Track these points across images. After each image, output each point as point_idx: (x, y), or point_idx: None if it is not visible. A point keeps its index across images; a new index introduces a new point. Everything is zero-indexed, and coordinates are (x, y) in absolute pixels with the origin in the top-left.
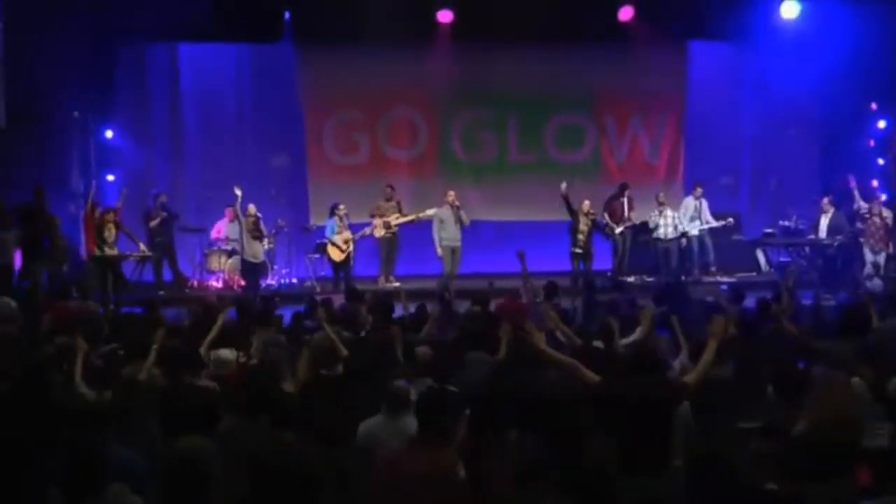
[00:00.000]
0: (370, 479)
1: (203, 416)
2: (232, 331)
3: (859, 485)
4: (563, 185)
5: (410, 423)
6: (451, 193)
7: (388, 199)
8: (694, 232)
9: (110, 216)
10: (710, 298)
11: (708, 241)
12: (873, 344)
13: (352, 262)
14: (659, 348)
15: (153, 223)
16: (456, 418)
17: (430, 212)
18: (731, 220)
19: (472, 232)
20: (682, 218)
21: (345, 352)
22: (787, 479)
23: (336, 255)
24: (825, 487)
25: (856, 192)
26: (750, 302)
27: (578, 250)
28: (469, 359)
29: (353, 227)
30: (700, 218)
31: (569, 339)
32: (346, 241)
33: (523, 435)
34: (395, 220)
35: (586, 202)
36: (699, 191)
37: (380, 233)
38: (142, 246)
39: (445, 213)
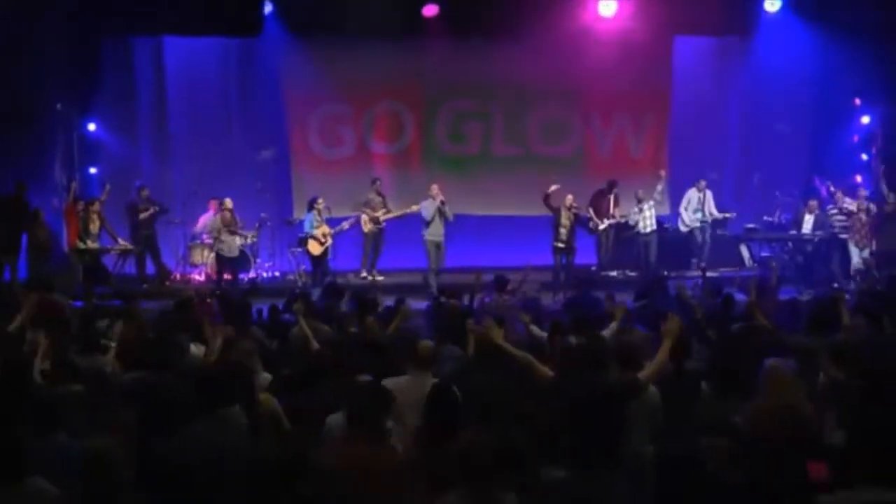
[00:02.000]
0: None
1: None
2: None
3: (812, 479)
4: (554, 187)
5: None
6: (435, 187)
7: (378, 193)
8: (696, 224)
9: (95, 208)
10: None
11: (707, 235)
12: (840, 342)
13: (329, 256)
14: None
15: (143, 215)
16: (385, 413)
17: (415, 207)
18: (734, 213)
19: (457, 225)
20: (685, 210)
21: (317, 346)
22: (743, 473)
23: (315, 250)
24: (772, 481)
25: (830, 189)
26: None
27: (560, 244)
28: (442, 353)
29: (332, 222)
30: (703, 210)
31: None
32: (324, 236)
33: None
34: (383, 214)
35: (569, 196)
36: (703, 183)
37: (368, 227)
38: (121, 241)
39: (432, 206)
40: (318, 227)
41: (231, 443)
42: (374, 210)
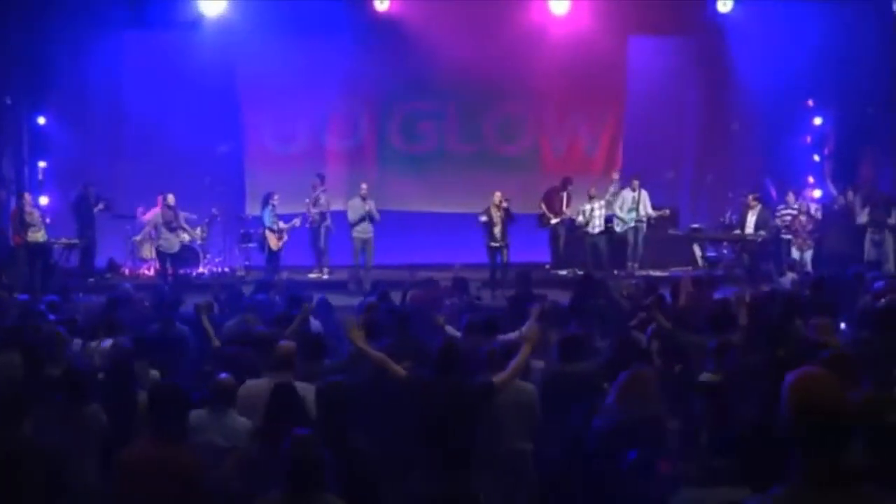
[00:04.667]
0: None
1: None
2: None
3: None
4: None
5: (235, 419)
6: (364, 186)
7: (314, 188)
8: (630, 224)
9: (27, 199)
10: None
11: (640, 235)
12: (721, 342)
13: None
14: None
15: (98, 209)
16: (186, 413)
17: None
18: (667, 210)
19: (411, 223)
20: (620, 210)
21: (217, 343)
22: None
23: (275, 244)
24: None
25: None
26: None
27: (494, 244)
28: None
29: (283, 218)
30: (638, 209)
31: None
32: (280, 231)
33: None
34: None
35: (497, 194)
36: (636, 183)
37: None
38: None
39: (359, 209)
40: (276, 223)
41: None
42: (308, 206)
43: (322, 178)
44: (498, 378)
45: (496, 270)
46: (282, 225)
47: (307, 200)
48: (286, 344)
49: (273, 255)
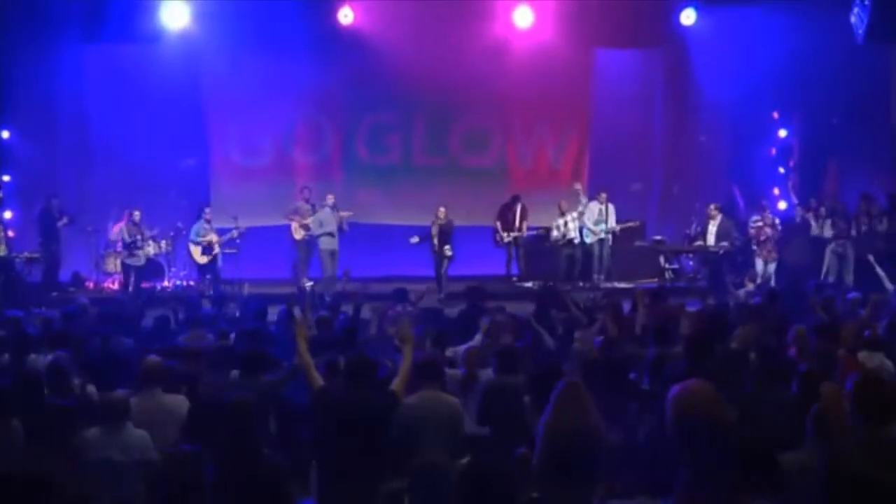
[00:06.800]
0: None
1: None
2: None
3: (606, 492)
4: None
5: (132, 433)
6: (331, 197)
7: (307, 201)
8: (600, 235)
9: None
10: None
11: (606, 247)
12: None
13: (219, 265)
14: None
15: (61, 223)
16: (71, 431)
17: (344, 214)
18: (637, 222)
19: (379, 235)
20: (587, 222)
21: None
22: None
23: (199, 258)
24: (567, 494)
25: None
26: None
27: (436, 255)
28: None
29: (221, 231)
30: (605, 222)
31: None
32: (210, 244)
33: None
34: (312, 222)
35: (441, 209)
36: (603, 196)
37: (299, 234)
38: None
39: (325, 215)
40: (205, 236)
41: None
42: (304, 217)
43: (310, 189)
44: (394, 386)
45: (441, 279)
46: (212, 238)
47: (310, 216)
48: (151, 359)
49: (202, 268)
